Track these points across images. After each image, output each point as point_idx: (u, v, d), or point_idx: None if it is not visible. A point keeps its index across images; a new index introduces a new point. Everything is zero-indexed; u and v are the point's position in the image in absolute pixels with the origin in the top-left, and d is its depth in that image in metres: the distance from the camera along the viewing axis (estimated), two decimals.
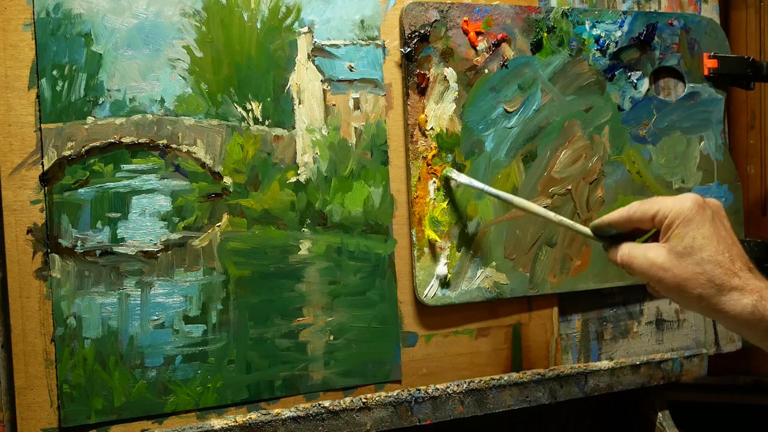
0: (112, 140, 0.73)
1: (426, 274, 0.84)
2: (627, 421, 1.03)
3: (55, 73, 0.71)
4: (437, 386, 0.84)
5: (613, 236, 0.73)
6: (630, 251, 0.69)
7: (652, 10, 0.96)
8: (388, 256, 0.82)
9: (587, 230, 0.75)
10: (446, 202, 0.84)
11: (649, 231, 0.71)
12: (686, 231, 0.66)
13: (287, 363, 0.79)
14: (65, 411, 0.71)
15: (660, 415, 0.98)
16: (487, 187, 0.82)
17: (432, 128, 0.84)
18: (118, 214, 0.73)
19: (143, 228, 0.74)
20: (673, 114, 0.95)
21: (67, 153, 0.71)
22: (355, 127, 0.81)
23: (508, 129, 0.87)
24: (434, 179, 0.84)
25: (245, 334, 0.77)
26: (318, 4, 0.79)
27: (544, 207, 0.88)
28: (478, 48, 0.86)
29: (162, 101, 0.74)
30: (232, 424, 0.75)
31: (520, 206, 0.80)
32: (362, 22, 0.81)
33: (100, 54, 0.72)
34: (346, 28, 0.81)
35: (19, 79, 0.70)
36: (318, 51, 0.80)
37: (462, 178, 0.82)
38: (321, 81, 0.80)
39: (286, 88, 0.78)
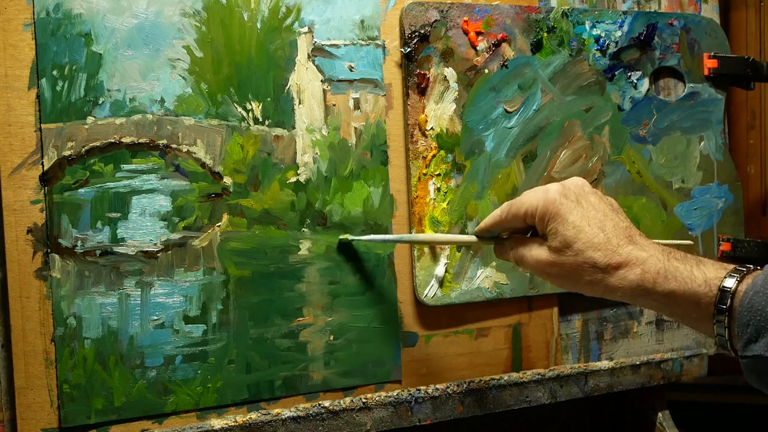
0: (112, 140, 0.73)
1: (426, 274, 0.84)
2: (627, 421, 1.03)
3: (55, 73, 0.71)
4: (437, 386, 0.84)
5: (496, 236, 0.75)
6: (517, 251, 0.71)
7: (652, 10, 0.96)
8: (387, 256, 0.82)
9: (472, 237, 0.76)
10: (446, 202, 0.85)
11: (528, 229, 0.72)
12: (556, 226, 0.66)
13: (287, 363, 0.79)
14: (65, 411, 0.71)
15: (660, 415, 0.98)
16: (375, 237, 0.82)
17: (432, 128, 0.84)
18: (118, 214, 0.73)
19: (143, 228, 0.74)
20: (673, 114, 0.95)
21: (67, 153, 0.71)
22: (355, 127, 0.81)
23: (508, 129, 0.87)
24: (434, 179, 0.84)
25: (245, 334, 0.77)
26: (318, 4, 0.79)
27: None
28: (478, 48, 0.86)
29: (162, 101, 0.74)
30: (232, 424, 0.75)
31: (401, 241, 0.81)
32: (362, 22, 0.81)
33: (100, 54, 0.72)
34: (346, 28, 0.81)
35: (19, 79, 0.70)
36: (318, 51, 0.80)
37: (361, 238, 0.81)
38: (321, 81, 0.80)
39: (286, 88, 0.78)
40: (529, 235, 0.72)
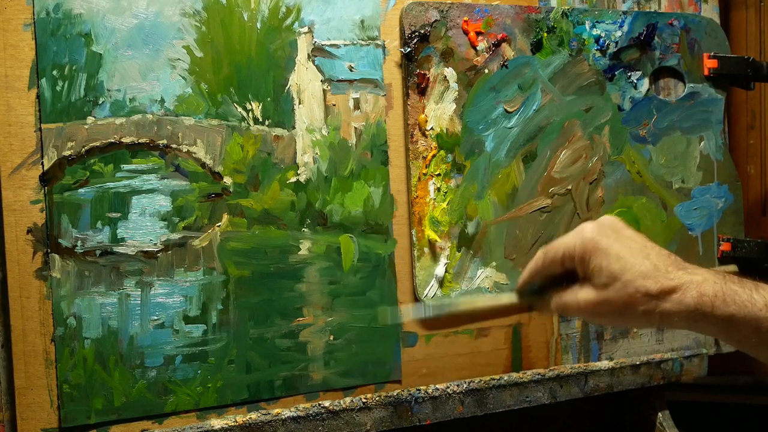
0: (112, 140, 0.73)
1: (426, 274, 0.84)
2: (627, 421, 1.03)
3: (55, 73, 0.71)
4: (437, 386, 0.84)
5: (536, 291, 0.70)
6: (560, 299, 0.67)
7: (652, 10, 0.96)
8: (388, 256, 0.82)
9: (512, 297, 0.71)
10: (446, 202, 0.85)
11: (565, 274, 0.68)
12: (599, 262, 0.63)
13: (287, 363, 0.79)
14: (65, 411, 0.71)
15: (660, 415, 0.98)
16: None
17: (432, 128, 0.84)
18: (118, 214, 0.73)
19: (143, 228, 0.74)
20: (673, 114, 0.95)
21: (67, 153, 0.71)
22: (355, 127, 0.81)
23: (508, 129, 0.87)
24: (434, 179, 0.84)
25: (245, 334, 0.77)
26: (318, 4, 0.79)
27: (544, 206, 0.88)
28: (478, 48, 0.86)
29: (162, 101, 0.74)
30: (232, 424, 0.75)
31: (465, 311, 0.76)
32: (362, 22, 0.81)
33: (100, 54, 0.72)
34: (346, 28, 0.81)
35: (19, 79, 0.70)
36: (318, 51, 0.80)
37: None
38: (321, 81, 0.80)
39: (286, 88, 0.78)
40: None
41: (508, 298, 0.71)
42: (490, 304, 0.73)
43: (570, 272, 0.67)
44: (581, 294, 0.65)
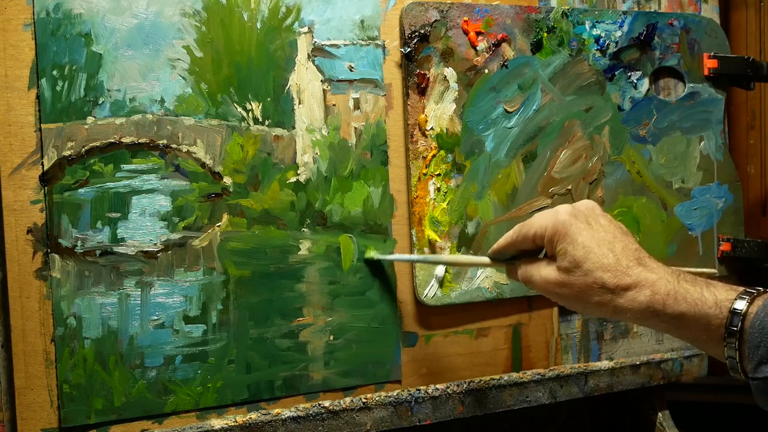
0: (112, 140, 0.73)
1: (426, 274, 0.84)
2: (627, 421, 1.03)
3: (55, 73, 0.71)
4: (437, 386, 0.84)
5: (507, 259, 0.74)
6: (526, 270, 0.70)
7: (652, 10, 0.96)
8: None
9: (485, 259, 0.75)
10: (446, 202, 0.85)
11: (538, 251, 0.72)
12: (565, 246, 0.66)
13: (287, 363, 0.79)
14: (65, 411, 0.71)
15: (660, 415, 0.98)
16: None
17: (432, 128, 0.84)
18: (118, 214, 0.73)
19: (143, 228, 0.74)
20: (673, 114, 0.95)
21: (67, 153, 0.71)
22: (355, 127, 0.81)
23: (508, 129, 0.87)
24: (434, 179, 0.84)
25: (245, 334, 0.77)
26: (318, 4, 0.79)
27: (544, 206, 0.89)
28: (478, 48, 0.86)
29: (162, 101, 0.74)
30: (232, 424, 0.75)
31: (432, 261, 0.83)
32: (362, 22, 0.81)
33: (100, 54, 0.72)
34: (346, 28, 0.81)
35: (19, 79, 0.70)
36: (318, 51, 0.80)
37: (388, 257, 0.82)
38: (321, 81, 0.80)
39: (286, 88, 0.79)
40: (542, 256, 0.71)
41: (481, 259, 0.76)
42: (468, 261, 0.81)
43: (541, 248, 0.70)
44: (544, 271, 0.68)
